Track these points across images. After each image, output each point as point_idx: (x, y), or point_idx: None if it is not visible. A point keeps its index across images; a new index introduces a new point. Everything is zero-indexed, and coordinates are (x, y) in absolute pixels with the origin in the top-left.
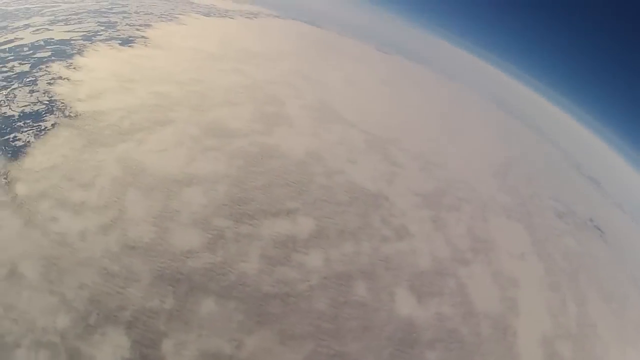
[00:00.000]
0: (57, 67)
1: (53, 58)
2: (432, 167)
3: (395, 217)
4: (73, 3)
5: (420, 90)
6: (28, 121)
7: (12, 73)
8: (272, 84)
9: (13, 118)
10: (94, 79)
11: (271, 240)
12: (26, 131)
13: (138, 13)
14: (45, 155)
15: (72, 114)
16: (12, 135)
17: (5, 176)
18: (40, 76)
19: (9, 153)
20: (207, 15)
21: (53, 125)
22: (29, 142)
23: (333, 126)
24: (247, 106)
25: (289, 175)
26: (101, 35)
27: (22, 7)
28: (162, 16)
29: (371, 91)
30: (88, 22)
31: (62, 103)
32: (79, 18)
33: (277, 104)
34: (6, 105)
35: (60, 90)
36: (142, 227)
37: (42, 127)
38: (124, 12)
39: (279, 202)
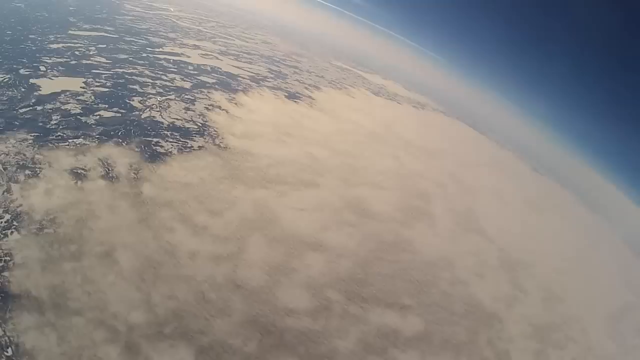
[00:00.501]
0: (218, 97)
1: (217, 87)
2: (554, 300)
3: (502, 342)
4: (247, 42)
5: (564, 219)
6: (175, 134)
7: (171, 84)
8: (424, 179)
9: (161, 125)
10: (253, 121)
11: (375, 328)
12: (171, 142)
13: (310, 72)
14: (183, 170)
15: (222, 145)
16: (155, 140)
17: (136, 171)
18: (200, 98)
19: (147, 154)
20: (376, 93)
21: (200, 147)
22: (170, 152)
23: (472, 236)
24: (394, 193)
25: (414, 272)
26: (269, 81)
27: (194, 27)
28: (332, 82)
29: (518, 210)
30: (259, 65)
31: (216, 131)
32: (250, 58)
33: (423, 199)
34: (158, 111)
35: (217, 119)
36: (254, 272)
37: (188, 145)
38: (296, 67)
39: (396, 295)
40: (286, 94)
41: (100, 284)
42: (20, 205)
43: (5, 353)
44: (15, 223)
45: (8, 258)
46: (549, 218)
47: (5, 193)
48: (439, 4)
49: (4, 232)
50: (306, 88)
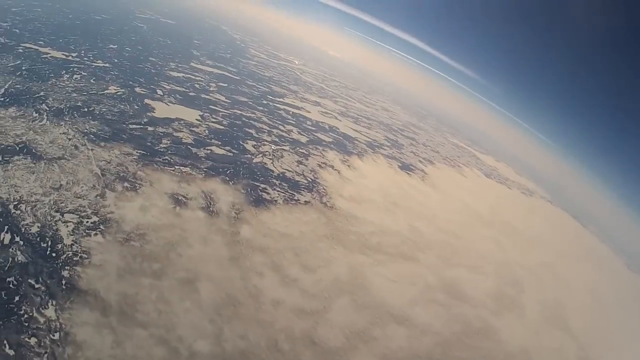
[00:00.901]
0: (332, 156)
1: (332, 146)
2: None
3: None
4: (367, 107)
5: None
6: (284, 184)
7: (287, 136)
8: (520, 267)
9: (271, 173)
10: (363, 185)
11: None
12: (278, 191)
13: (426, 146)
14: (285, 221)
15: (329, 204)
16: (263, 186)
17: (237, 211)
18: (314, 155)
19: (252, 197)
20: (488, 175)
21: (306, 202)
22: (275, 200)
23: (557, 333)
24: (489, 278)
25: None
26: (385, 149)
27: (317, 83)
28: (447, 159)
29: (608, 309)
30: (376, 132)
31: (325, 189)
32: (369, 124)
33: (516, 288)
34: (270, 159)
35: (328, 177)
36: (334, 332)
37: (295, 198)
38: (413, 139)
39: None
40: (400, 165)
41: (175, 306)
42: (112, 212)
43: (51, 336)
44: (101, 227)
45: (85, 256)
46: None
47: (98, 197)
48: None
49: (87, 231)
50: (420, 161)
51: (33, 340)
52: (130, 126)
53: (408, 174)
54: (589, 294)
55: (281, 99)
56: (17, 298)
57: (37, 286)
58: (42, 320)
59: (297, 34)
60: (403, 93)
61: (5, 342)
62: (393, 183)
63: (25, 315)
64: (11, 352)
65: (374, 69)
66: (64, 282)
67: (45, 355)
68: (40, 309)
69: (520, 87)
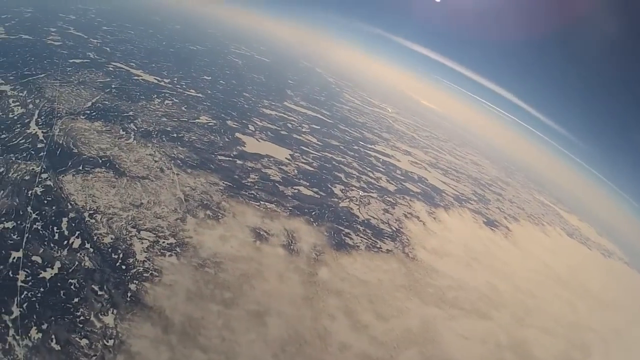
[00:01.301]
0: (419, 207)
1: (420, 197)
2: None
3: None
4: (457, 159)
5: None
6: (368, 231)
7: (375, 183)
8: (591, 331)
9: (356, 218)
10: (447, 239)
11: None
12: (361, 237)
13: (512, 202)
14: (365, 268)
15: (410, 254)
16: (346, 230)
17: (318, 253)
18: (401, 204)
19: (334, 240)
20: (570, 235)
21: (388, 251)
22: (357, 246)
23: None
24: (559, 341)
25: None
26: (471, 204)
27: (409, 133)
28: (531, 216)
29: None
30: (464, 185)
31: (408, 240)
32: (457, 176)
33: (584, 353)
34: (357, 205)
35: (413, 228)
36: None
37: (377, 245)
38: (500, 194)
39: None
40: (485, 220)
41: (240, 336)
42: (190, 237)
43: (105, 341)
44: (178, 249)
45: (156, 274)
46: None
47: (178, 220)
48: None
49: (162, 251)
50: (505, 218)
51: (84, 342)
52: (219, 157)
53: (492, 229)
54: None
55: (372, 146)
56: (76, 300)
57: (100, 293)
58: (98, 325)
59: (392, 81)
60: (493, 146)
61: (52, 336)
62: (476, 238)
63: (81, 317)
64: (57, 347)
65: (466, 120)
66: (129, 294)
67: (94, 358)
68: (99, 314)
69: (611, 147)
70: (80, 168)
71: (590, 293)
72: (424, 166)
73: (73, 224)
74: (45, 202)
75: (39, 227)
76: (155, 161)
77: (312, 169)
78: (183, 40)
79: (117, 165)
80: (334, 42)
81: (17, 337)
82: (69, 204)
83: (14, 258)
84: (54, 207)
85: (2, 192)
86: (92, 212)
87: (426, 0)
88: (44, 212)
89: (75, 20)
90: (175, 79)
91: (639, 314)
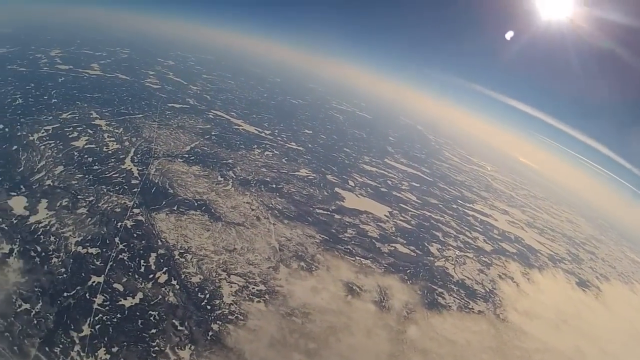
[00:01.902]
0: (514, 267)
1: (515, 257)
2: None
3: None
4: (553, 218)
5: None
6: (462, 291)
7: (472, 243)
8: None
9: (451, 278)
10: (538, 301)
11: None
12: (454, 297)
13: (604, 261)
14: (454, 328)
15: (501, 316)
16: (440, 290)
17: (409, 311)
18: (496, 265)
19: (427, 300)
20: None
21: (479, 312)
22: (449, 306)
23: None
24: None
25: None
26: (565, 264)
27: (507, 191)
28: (621, 275)
29: None
30: (559, 244)
31: (500, 301)
32: (553, 236)
33: None
34: (452, 264)
35: (506, 289)
36: None
37: (469, 306)
38: (593, 253)
39: None
40: (577, 281)
41: None
42: (281, 286)
43: None
44: (266, 296)
45: (241, 318)
46: None
47: (270, 269)
48: None
49: (251, 296)
50: (597, 277)
51: None
52: (317, 210)
53: (583, 290)
54: None
55: (471, 205)
56: (153, 330)
57: (180, 328)
58: (172, 357)
59: (491, 137)
60: (588, 203)
61: (121, 359)
62: (567, 300)
63: (156, 348)
64: None
65: (563, 176)
66: (210, 333)
67: None
68: (176, 348)
69: None
70: (175, 208)
71: None
72: (521, 226)
73: (161, 260)
74: (135, 235)
75: (125, 258)
76: (252, 209)
77: (410, 226)
78: (284, 93)
79: (212, 210)
80: (435, 98)
81: (82, 354)
82: (159, 240)
83: (93, 282)
84: (143, 242)
85: (90, 219)
86: (182, 251)
87: (526, 57)
88: (132, 245)
89: (174, 66)
90: (276, 131)
91: None
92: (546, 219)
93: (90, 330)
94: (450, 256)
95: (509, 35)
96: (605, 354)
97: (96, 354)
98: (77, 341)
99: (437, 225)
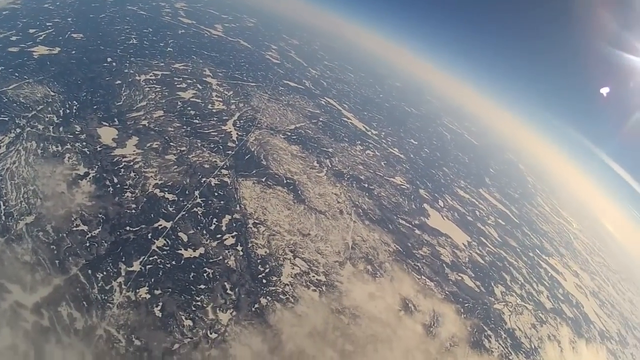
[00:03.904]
0: (565, 332)
1: (569, 322)
2: None
3: None
4: (617, 293)
5: None
6: (508, 340)
7: (535, 295)
8: None
9: (503, 324)
10: None
11: None
12: (500, 343)
13: None
14: None
15: None
16: (489, 332)
17: (453, 343)
18: (549, 324)
19: (474, 338)
20: None
21: None
22: (491, 350)
23: None
24: None
25: None
26: (611, 343)
27: (585, 254)
28: None
29: None
30: (613, 322)
31: None
32: (610, 311)
33: None
34: (510, 311)
35: (550, 351)
36: None
37: (510, 357)
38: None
39: None
40: None
41: None
42: (341, 282)
43: (208, 332)
44: (323, 287)
45: (292, 300)
46: None
47: (336, 263)
48: None
49: (308, 283)
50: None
51: (188, 322)
52: (400, 220)
53: None
54: None
55: (547, 258)
56: (202, 286)
57: (229, 292)
58: (211, 316)
59: (587, 197)
60: None
61: (160, 303)
62: None
63: (198, 303)
64: (159, 314)
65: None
66: (256, 305)
67: (189, 339)
68: (218, 309)
69: None
70: (263, 180)
71: None
72: (586, 293)
73: (234, 224)
74: (216, 194)
75: (199, 212)
76: (338, 202)
77: (483, 262)
78: (400, 99)
79: (299, 191)
80: (544, 141)
81: (124, 287)
82: (238, 205)
83: (160, 225)
84: (222, 202)
85: (176, 167)
86: (257, 222)
87: None
88: (209, 202)
89: (298, 46)
90: (383, 133)
91: None
92: (610, 292)
93: (140, 268)
94: (510, 302)
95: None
96: None
97: (137, 290)
98: (123, 273)
99: (508, 268)
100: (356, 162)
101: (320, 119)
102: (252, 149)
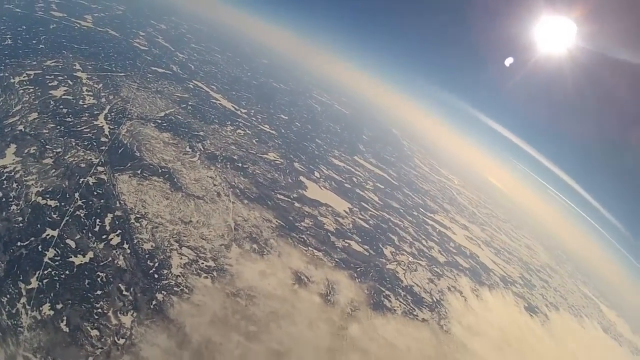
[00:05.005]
0: (464, 282)
1: (467, 273)
2: None
3: None
4: (512, 241)
5: None
6: (409, 297)
7: (427, 252)
8: None
9: (400, 283)
10: (484, 318)
11: None
12: (400, 302)
13: (556, 290)
14: (396, 332)
15: (444, 328)
16: (387, 292)
17: (353, 309)
18: (447, 277)
19: (373, 300)
20: (605, 330)
21: (423, 320)
22: (394, 309)
23: None
24: None
25: None
26: (516, 287)
27: (470, 208)
28: (572, 307)
29: None
30: (513, 267)
31: (445, 313)
32: (508, 258)
33: None
34: (403, 269)
35: (453, 302)
36: None
37: (414, 313)
38: (547, 282)
39: None
40: (526, 305)
41: None
42: (230, 265)
43: (116, 338)
44: (214, 273)
45: (187, 291)
46: None
47: (222, 246)
48: None
49: (199, 271)
50: (546, 305)
51: (94, 332)
52: (279, 196)
53: (531, 315)
54: None
55: (432, 215)
56: (99, 292)
57: (125, 293)
58: (114, 322)
59: (464, 154)
60: (550, 234)
61: (64, 317)
62: (513, 322)
63: (99, 310)
64: (65, 329)
65: (529, 204)
66: (154, 302)
67: (100, 350)
68: (118, 313)
69: None
70: (139, 172)
71: None
72: (479, 243)
73: (117, 222)
74: (95, 193)
75: (82, 215)
76: (215, 185)
77: (368, 226)
78: (268, 76)
79: (175, 179)
80: (417, 107)
81: (27, 307)
82: (118, 202)
83: (47, 235)
84: (102, 201)
85: (54, 171)
86: (139, 216)
87: (519, 85)
88: (90, 202)
89: (166, 30)
90: (252, 111)
91: None
92: (504, 240)
93: (38, 284)
94: (402, 261)
95: (508, 61)
96: None
97: (40, 308)
98: (25, 293)
99: (394, 229)
100: (228, 143)
101: (190, 103)
102: (125, 141)
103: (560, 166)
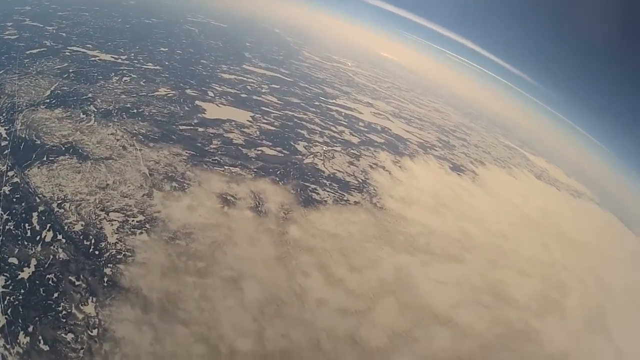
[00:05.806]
0: (384, 157)
1: (384, 147)
2: None
3: None
4: (420, 108)
5: None
6: (335, 185)
7: (339, 137)
8: (565, 270)
9: (322, 173)
10: (414, 186)
11: None
12: (328, 192)
13: (477, 147)
14: (334, 222)
15: (378, 204)
16: (313, 186)
17: (286, 212)
18: (366, 156)
19: (301, 198)
20: (538, 177)
21: (356, 202)
22: (325, 201)
23: (596, 336)
24: (534, 281)
25: None
26: (436, 151)
27: (370, 85)
28: (497, 160)
29: None
30: (428, 133)
31: (375, 190)
32: (421, 125)
33: (560, 292)
34: (321, 160)
35: (379, 178)
36: (377, 333)
37: (345, 198)
38: (465, 140)
39: None
40: (451, 166)
41: (218, 304)
42: (158, 212)
43: (89, 332)
44: (147, 226)
45: (129, 254)
46: None
47: (145, 196)
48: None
49: (132, 230)
50: (471, 162)
51: (70, 336)
52: (180, 127)
53: (459, 175)
54: (633, 299)
55: (334, 101)
56: (55, 294)
57: (77, 283)
58: (80, 316)
59: (350, 36)
60: (456, 95)
61: (40, 337)
62: (443, 184)
63: (64, 312)
64: (45, 348)
65: (428, 71)
66: (105, 279)
67: (82, 350)
68: (80, 305)
69: (577, 92)
70: (45, 159)
71: (562, 233)
72: (387, 116)
73: (43, 218)
74: (14, 200)
75: (11, 227)
76: (117, 140)
77: (274, 128)
78: (138, 15)
79: (80, 150)
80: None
81: (8, 347)
82: (37, 197)
83: None
84: (23, 204)
85: None
86: (60, 201)
87: None
88: (14, 211)
89: (31, 10)
90: (132, 54)
91: (611, 252)
92: (412, 109)
93: (5, 318)
94: (318, 152)
95: None
96: (489, 233)
97: (18, 340)
98: None
99: (301, 124)
100: (118, 94)
101: (70, 70)
102: (23, 135)
103: (449, 28)
